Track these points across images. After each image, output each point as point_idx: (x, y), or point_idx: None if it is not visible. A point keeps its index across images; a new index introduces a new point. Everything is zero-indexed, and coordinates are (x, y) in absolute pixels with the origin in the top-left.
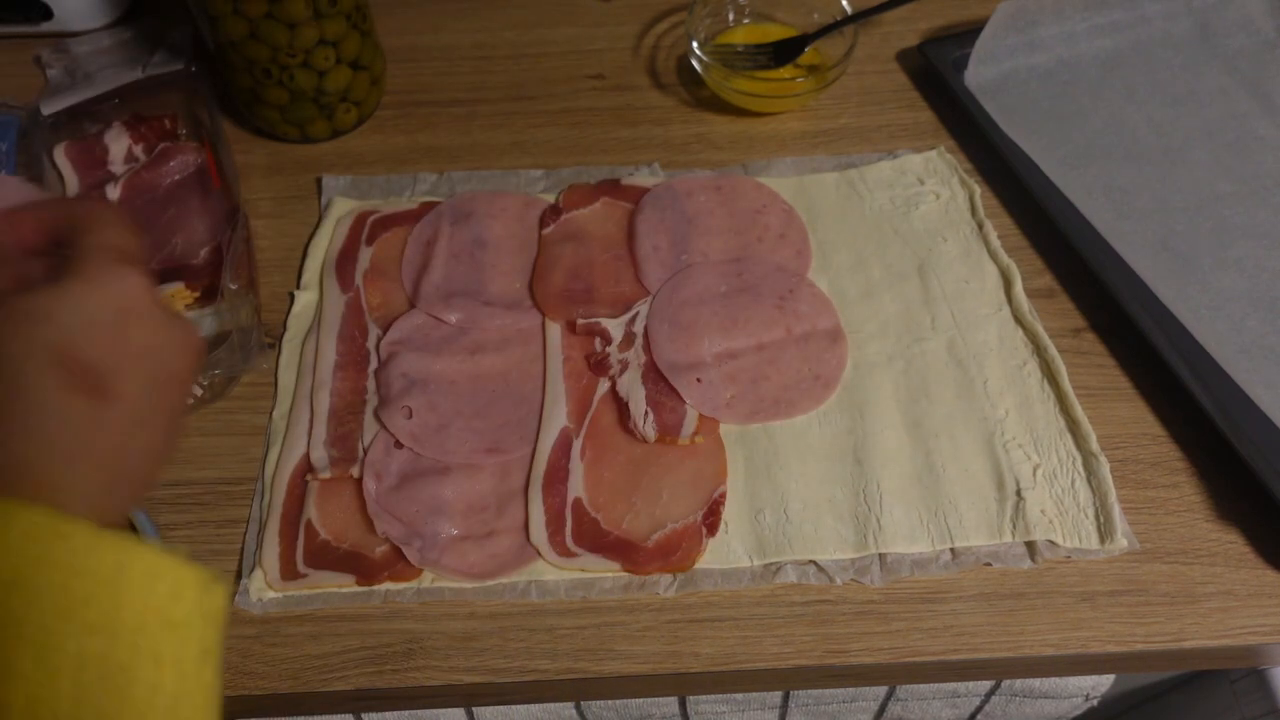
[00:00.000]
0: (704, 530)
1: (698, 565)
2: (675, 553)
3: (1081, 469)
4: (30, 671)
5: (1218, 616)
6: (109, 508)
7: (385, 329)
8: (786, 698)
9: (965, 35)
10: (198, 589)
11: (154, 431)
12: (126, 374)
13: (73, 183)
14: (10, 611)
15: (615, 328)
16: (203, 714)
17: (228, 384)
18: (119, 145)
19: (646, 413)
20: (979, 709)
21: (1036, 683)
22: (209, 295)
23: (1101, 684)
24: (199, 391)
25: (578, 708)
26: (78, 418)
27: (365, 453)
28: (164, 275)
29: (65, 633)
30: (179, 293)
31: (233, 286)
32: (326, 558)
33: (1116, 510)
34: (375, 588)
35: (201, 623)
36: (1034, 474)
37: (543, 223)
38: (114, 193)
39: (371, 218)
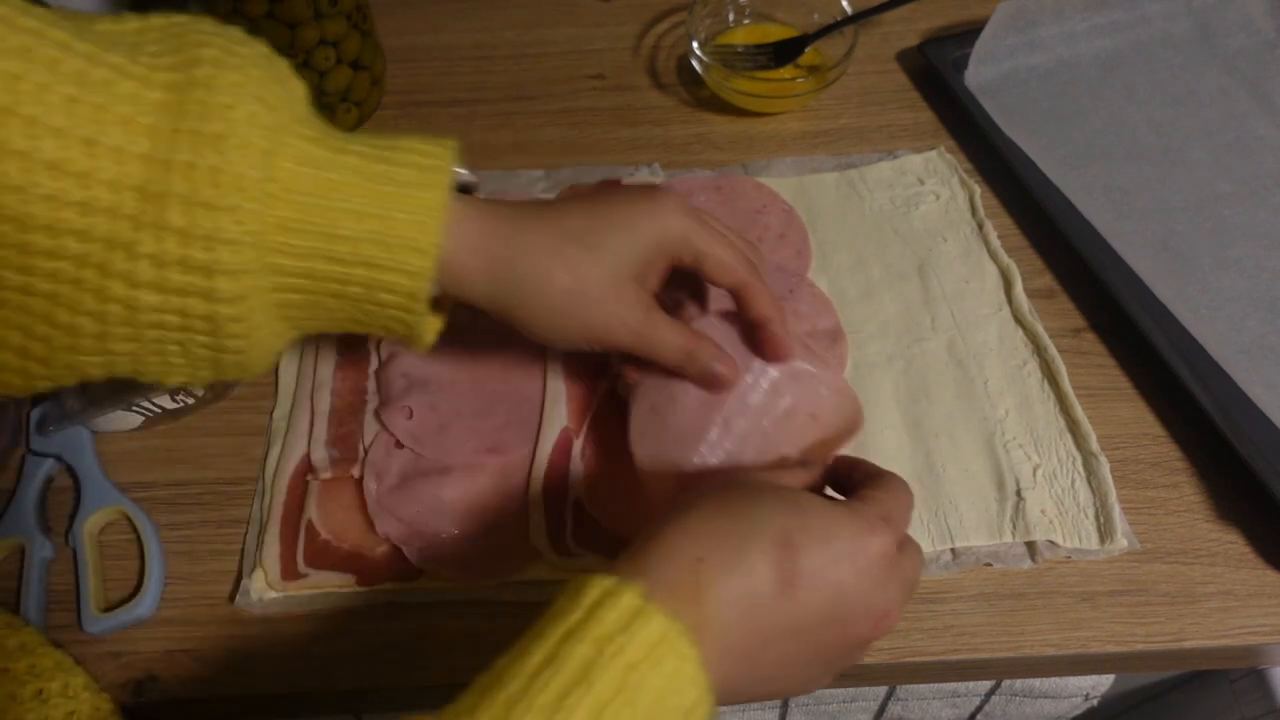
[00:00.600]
0: None
1: None
2: None
3: (1081, 469)
4: None
5: (1218, 616)
6: (723, 681)
7: None
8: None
9: (965, 35)
10: None
11: (807, 648)
12: (816, 589)
13: None
14: (618, 690)
15: None
16: None
17: (228, 385)
18: None
19: None
20: (979, 709)
21: (1036, 683)
22: None
23: (1101, 684)
24: (200, 392)
25: None
26: (761, 588)
27: (366, 453)
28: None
29: None
30: None
31: None
32: (327, 558)
33: (1116, 510)
34: (375, 588)
35: None
36: (1034, 474)
37: None
38: None
39: None
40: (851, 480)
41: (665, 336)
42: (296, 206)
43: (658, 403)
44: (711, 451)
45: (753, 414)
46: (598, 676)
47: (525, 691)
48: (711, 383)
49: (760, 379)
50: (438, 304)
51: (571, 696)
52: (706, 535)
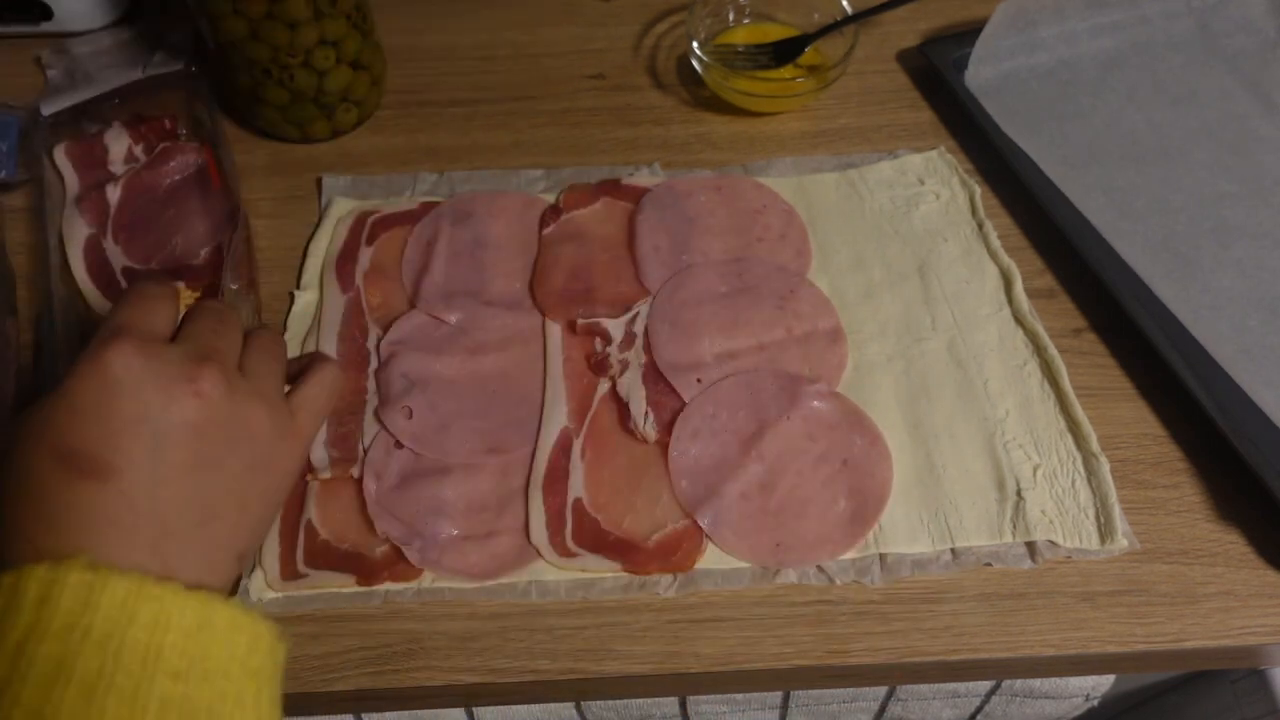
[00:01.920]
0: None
1: (698, 565)
2: (675, 553)
3: (1082, 469)
4: (120, 715)
5: (1218, 617)
6: (179, 563)
7: (385, 329)
8: (787, 698)
9: (965, 35)
10: (271, 641)
11: (181, 485)
12: (121, 446)
13: (73, 183)
14: (102, 664)
15: (615, 328)
16: None
17: None
18: (119, 145)
19: (647, 413)
20: (979, 709)
21: (1037, 683)
22: (210, 295)
23: (1102, 684)
24: None
25: (578, 708)
26: (90, 499)
27: (365, 453)
28: (165, 275)
29: (152, 680)
30: (181, 295)
31: (233, 287)
32: (326, 558)
33: (1117, 510)
34: (375, 588)
35: (274, 671)
36: (1034, 474)
37: (543, 223)
38: (114, 193)
39: (371, 218)
40: None
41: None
42: None
43: (699, 429)
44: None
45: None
46: (76, 668)
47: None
48: None
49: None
50: None
51: (54, 693)
52: (9, 518)
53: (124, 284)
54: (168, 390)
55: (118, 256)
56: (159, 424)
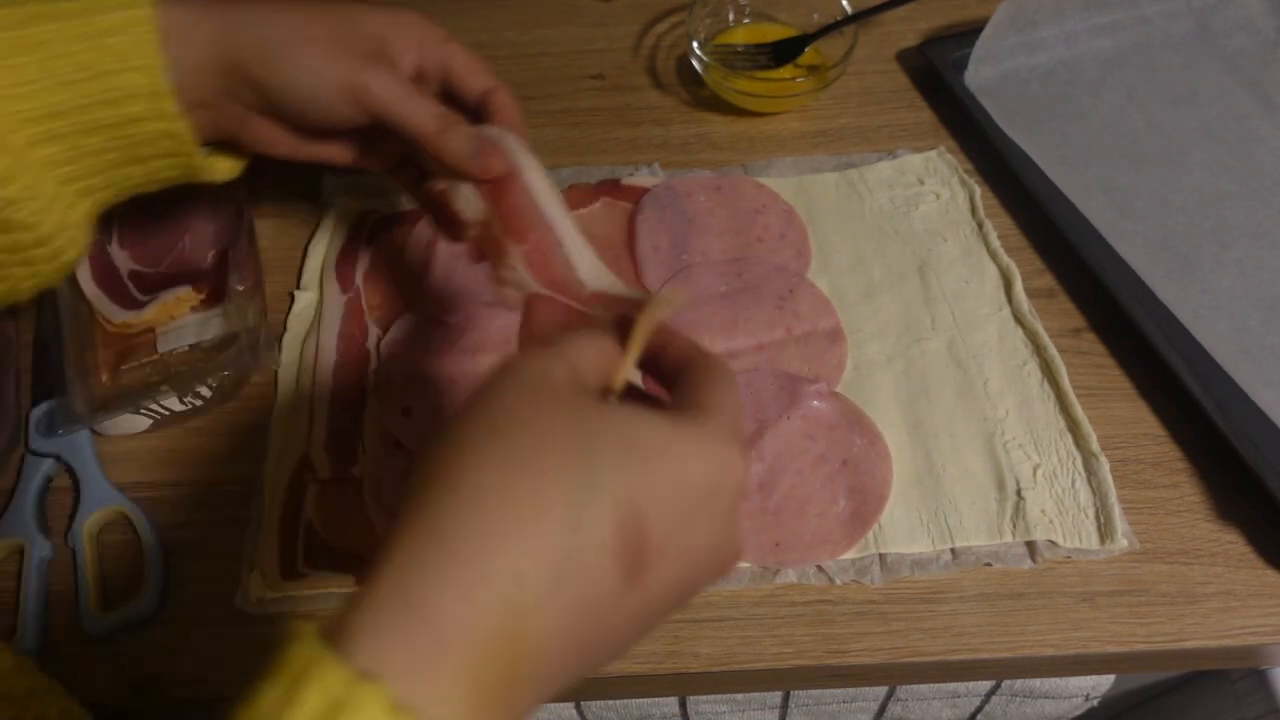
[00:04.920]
0: None
1: None
2: None
3: (1081, 469)
4: None
5: (1218, 616)
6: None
7: (385, 329)
8: (786, 698)
9: (965, 35)
10: None
11: (630, 635)
12: (667, 563)
13: None
14: None
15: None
16: None
17: (236, 385)
18: None
19: None
20: (979, 709)
21: (1036, 683)
22: (216, 297)
23: (1102, 684)
24: (208, 394)
25: (578, 708)
26: (602, 587)
27: (365, 453)
28: (171, 278)
29: None
30: (186, 295)
31: (239, 288)
32: (326, 558)
33: (1117, 510)
34: None
35: None
36: (1034, 474)
37: None
38: None
39: (372, 218)
40: (666, 359)
41: (420, 100)
42: (5, 43)
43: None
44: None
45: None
46: None
47: None
48: (474, 166)
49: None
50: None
51: None
52: (521, 525)
53: (130, 288)
54: (725, 544)
55: (123, 260)
56: (697, 571)
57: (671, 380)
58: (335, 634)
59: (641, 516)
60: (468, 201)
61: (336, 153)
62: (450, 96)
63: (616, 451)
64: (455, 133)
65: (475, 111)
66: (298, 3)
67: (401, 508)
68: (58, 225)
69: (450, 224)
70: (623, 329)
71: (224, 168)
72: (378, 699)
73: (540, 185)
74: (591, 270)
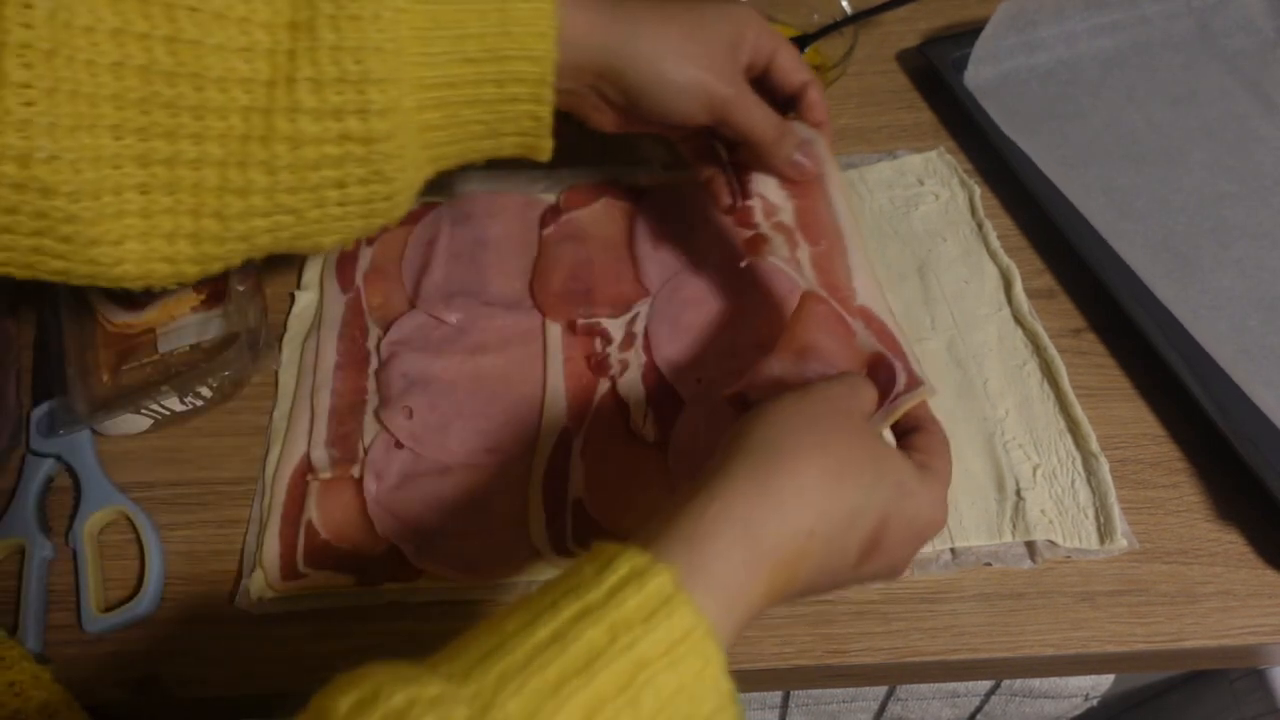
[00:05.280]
0: None
1: None
2: None
3: (1081, 469)
4: (590, 703)
5: (1217, 616)
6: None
7: (385, 329)
8: (786, 698)
9: (965, 35)
10: None
11: (829, 584)
12: (881, 562)
13: None
14: (620, 686)
15: (615, 328)
16: None
17: (236, 386)
18: None
19: (647, 413)
20: (979, 709)
21: (1036, 683)
22: (216, 297)
23: (1101, 684)
24: (208, 394)
25: None
26: (844, 563)
27: (365, 453)
28: None
29: (638, 694)
30: (186, 295)
31: (239, 288)
32: (327, 558)
33: (1116, 510)
34: (375, 588)
35: None
36: (1034, 474)
37: (543, 223)
38: None
39: None
40: (905, 417)
41: (767, 108)
42: (425, 14)
43: (698, 430)
44: None
45: None
46: (602, 669)
47: (523, 669)
48: (795, 171)
49: None
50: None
51: (569, 685)
52: (822, 509)
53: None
54: (897, 560)
55: None
56: (879, 567)
57: (904, 433)
58: (660, 540)
59: (887, 529)
60: (765, 185)
61: (656, 129)
62: (764, 83)
63: (890, 485)
64: (788, 141)
65: (787, 100)
66: (672, 18)
67: (719, 459)
68: (407, 184)
69: (717, 199)
70: (873, 367)
71: (551, 145)
72: (690, 611)
73: (839, 198)
74: (867, 286)
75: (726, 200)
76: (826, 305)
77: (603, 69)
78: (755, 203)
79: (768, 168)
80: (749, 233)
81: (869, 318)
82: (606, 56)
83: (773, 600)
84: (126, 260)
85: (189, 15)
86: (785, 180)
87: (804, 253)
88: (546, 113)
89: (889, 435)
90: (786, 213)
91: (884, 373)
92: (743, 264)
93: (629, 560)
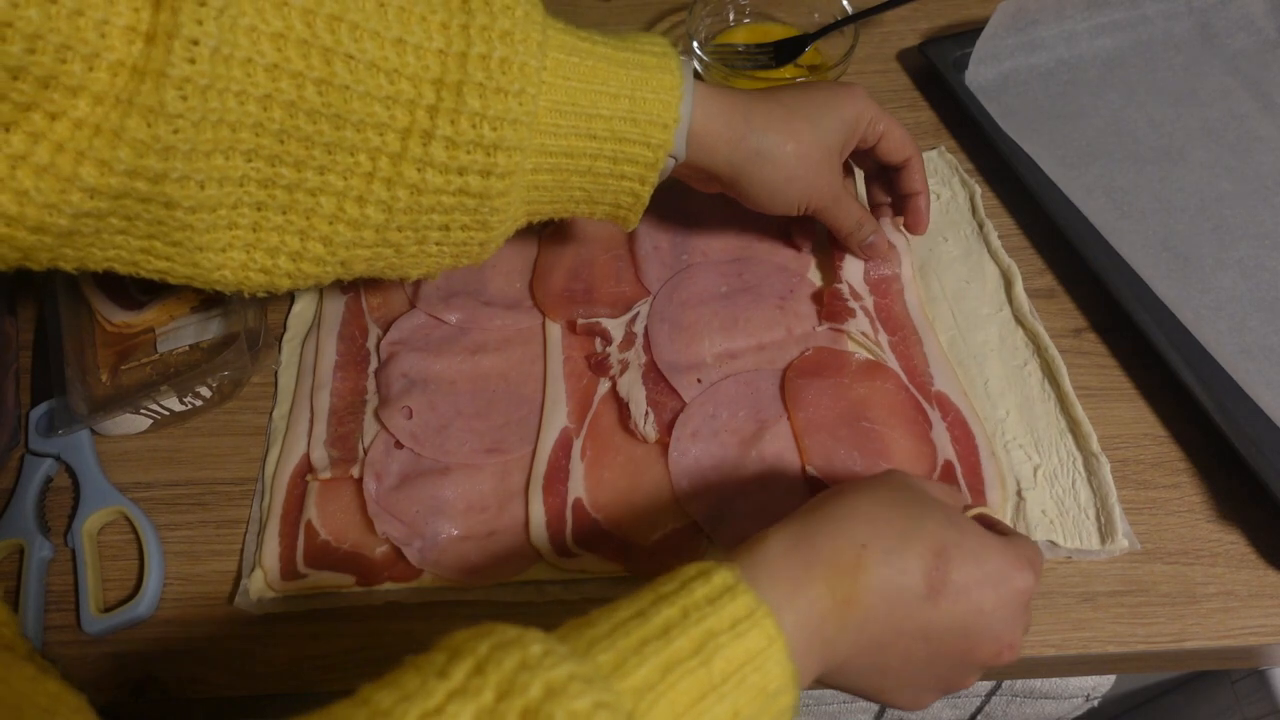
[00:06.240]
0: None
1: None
2: (676, 553)
3: (1082, 469)
4: (671, 709)
5: (1219, 617)
6: (845, 658)
7: (385, 329)
8: None
9: (965, 35)
10: None
11: (927, 650)
12: (958, 602)
13: None
14: (690, 653)
15: (615, 328)
16: None
17: (236, 386)
18: None
19: (647, 413)
20: (979, 709)
21: (1037, 683)
22: (216, 297)
23: (1102, 684)
24: (208, 394)
25: None
26: (911, 585)
27: (365, 453)
28: None
29: (718, 705)
30: (186, 295)
31: None
32: (326, 558)
33: (1117, 510)
34: (375, 588)
35: None
36: (1035, 474)
37: (543, 222)
38: None
39: None
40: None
41: (851, 206)
42: (564, 90)
43: (698, 431)
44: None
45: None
46: (678, 635)
47: (609, 634)
48: (870, 252)
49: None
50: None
51: (649, 646)
52: (872, 522)
53: (130, 288)
54: (1004, 629)
55: None
56: (980, 625)
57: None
58: (742, 564)
59: (948, 559)
60: (852, 275)
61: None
62: (872, 154)
63: (943, 518)
64: (864, 231)
65: (892, 171)
66: (793, 133)
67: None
68: (503, 233)
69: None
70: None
71: (639, 220)
72: (750, 596)
73: (914, 299)
74: (944, 374)
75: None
76: (900, 384)
77: (724, 177)
78: (844, 287)
79: (844, 246)
80: (836, 305)
81: (945, 405)
82: (730, 170)
83: (844, 614)
84: (226, 267)
85: (345, 63)
86: (857, 255)
87: (884, 338)
88: (647, 193)
89: None
90: (868, 302)
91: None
92: (818, 326)
93: (697, 566)
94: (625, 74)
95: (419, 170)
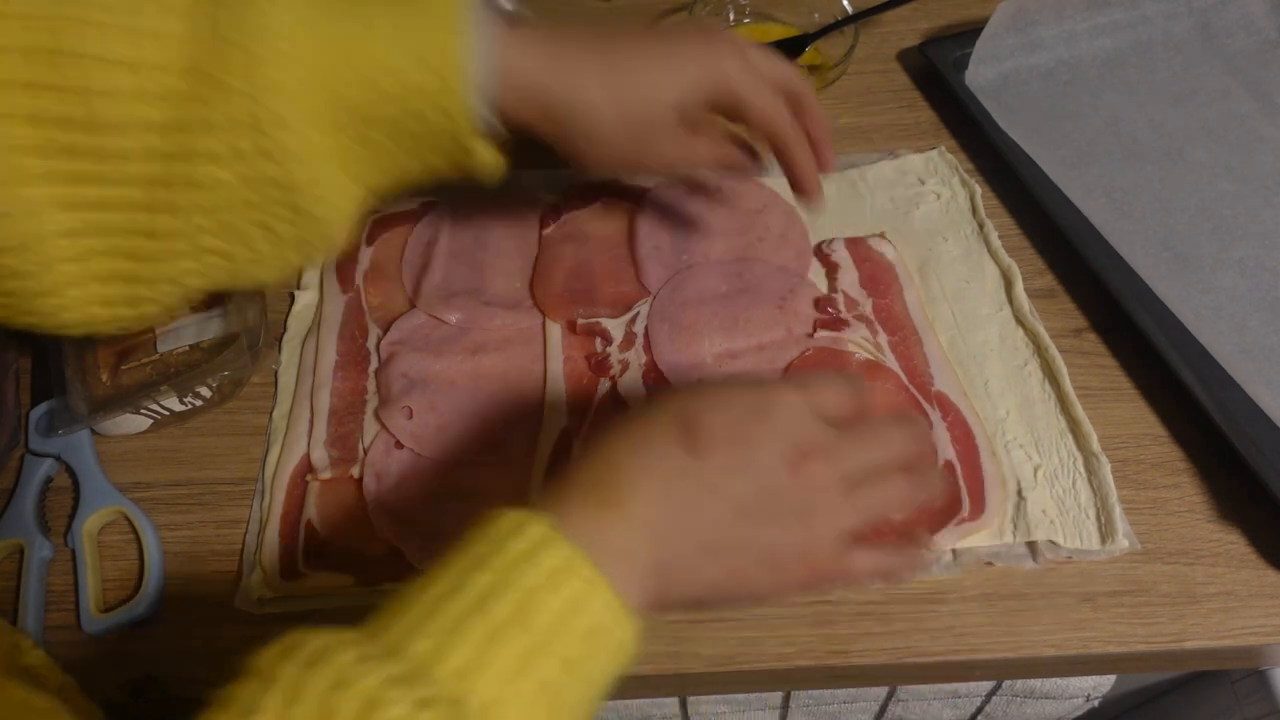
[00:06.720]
0: None
1: None
2: None
3: (1083, 469)
4: (501, 674)
5: (1219, 617)
6: (655, 563)
7: (385, 329)
8: (787, 698)
9: (965, 35)
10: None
11: (728, 508)
12: (726, 448)
13: None
14: (514, 614)
15: (615, 328)
16: None
17: (236, 386)
18: None
19: None
20: (980, 709)
21: (1037, 683)
22: (216, 297)
23: (1103, 685)
24: (208, 394)
25: None
26: (670, 458)
27: (365, 453)
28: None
29: (546, 652)
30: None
31: None
32: (326, 558)
33: (1118, 510)
34: (375, 588)
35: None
36: (1035, 474)
37: (543, 223)
38: None
39: (371, 218)
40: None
41: (701, 155)
42: (336, 53)
43: None
44: None
45: None
46: (495, 602)
47: (426, 617)
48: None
49: None
50: (497, 142)
51: (468, 622)
52: (612, 443)
53: None
54: (787, 450)
55: None
56: (760, 461)
57: None
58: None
59: (693, 416)
60: (849, 283)
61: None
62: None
63: (684, 397)
64: (724, 167)
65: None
66: (613, 49)
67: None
68: (338, 214)
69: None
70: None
71: (497, 163)
72: (566, 546)
73: (914, 299)
74: (944, 374)
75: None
76: (899, 384)
77: (544, 135)
78: (839, 296)
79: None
80: (831, 316)
81: (945, 405)
82: (546, 126)
83: (644, 526)
84: (68, 308)
85: (75, 64)
86: None
87: (884, 339)
88: (479, 145)
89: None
90: (866, 307)
91: (950, 491)
92: (814, 335)
93: (511, 518)
94: (405, 25)
95: (192, 165)
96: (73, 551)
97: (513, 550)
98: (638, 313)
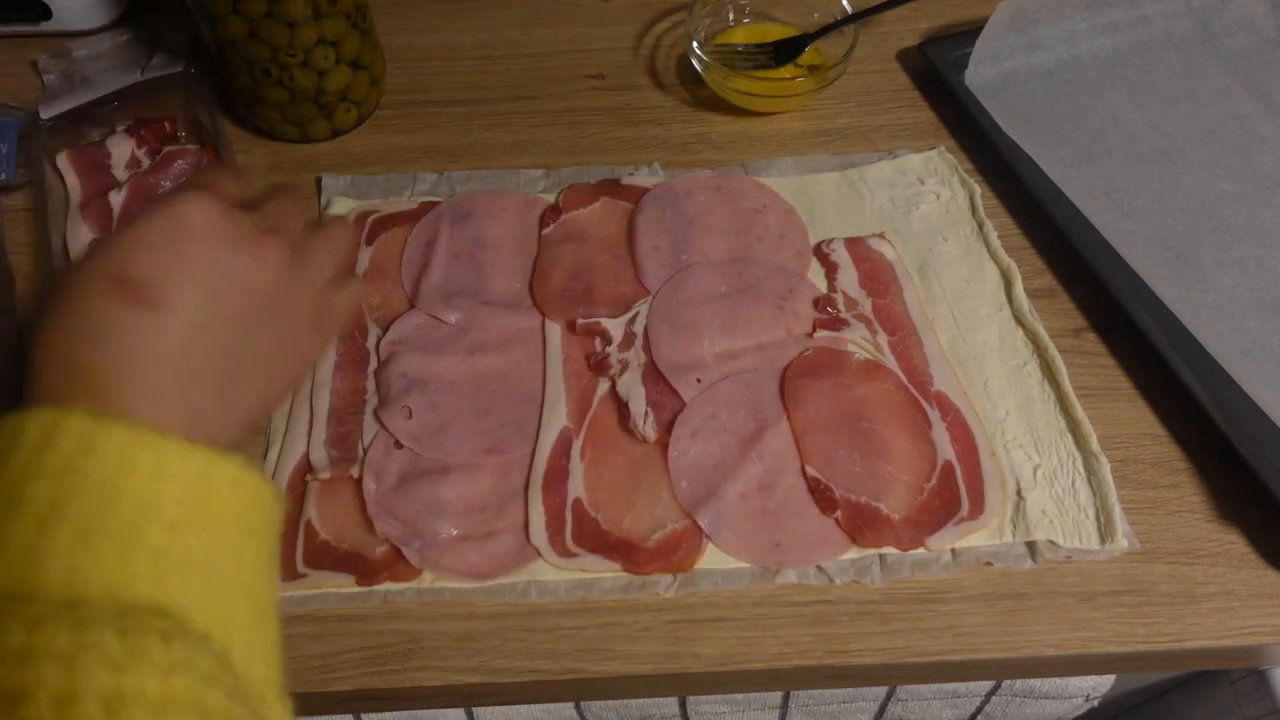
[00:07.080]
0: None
1: (698, 565)
2: (675, 553)
3: (1082, 469)
4: (111, 559)
5: (1219, 617)
6: (197, 411)
7: (385, 329)
8: (787, 698)
9: (965, 35)
10: (270, 502)
11: (220, 336)
12: (178, 284)
13: (75, 189)
14: (97, 508)
15: (615, 328)
16: (272, 610)
17: None
18: (121, 150)
19: (646, 413)
20: (979, 709)
21: (1037, 683)
22: None
23: (1102, 684)
24: None
25: (578, 708)
26: (131, 323)
27: (365, 453)
28: None
29: (147, 526)
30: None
31: None
32: (326, 558)
33: (1117, 510)
34: (375, 588)
35: (272, 533)
36: (1035, 474)
37: (543, 223)
38: (119, 198)
39: (371, 218)
40: None
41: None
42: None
43: (698, 430)
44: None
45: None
46: (61, 518)
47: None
48: None
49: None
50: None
51: (36, 550)
52: (51, 335)
53: None
54: (234, 247)
55: None
56: (217, 275)
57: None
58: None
59: (117, 269)
60: (848, 283)
61: None
62: None
63: (92, 254)
64: None
65: None
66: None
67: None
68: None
69: None
70: (943, 479)
71: None
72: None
73: (913, 299)
74: (944, 373)
75: None
76: (899, 383)
77: None
78: (839, 296)
79: None
80: (831, 315)
81: (945, 405)
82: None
83: (155, 401)
84: None
85: None
86: None
87: (883, 339)
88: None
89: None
90: (866, 306)
91: (948, 490)
92: (813, 334)
93: (36, 422)
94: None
95: None
96: None
97: (59, 453)
98: (637, 312)
